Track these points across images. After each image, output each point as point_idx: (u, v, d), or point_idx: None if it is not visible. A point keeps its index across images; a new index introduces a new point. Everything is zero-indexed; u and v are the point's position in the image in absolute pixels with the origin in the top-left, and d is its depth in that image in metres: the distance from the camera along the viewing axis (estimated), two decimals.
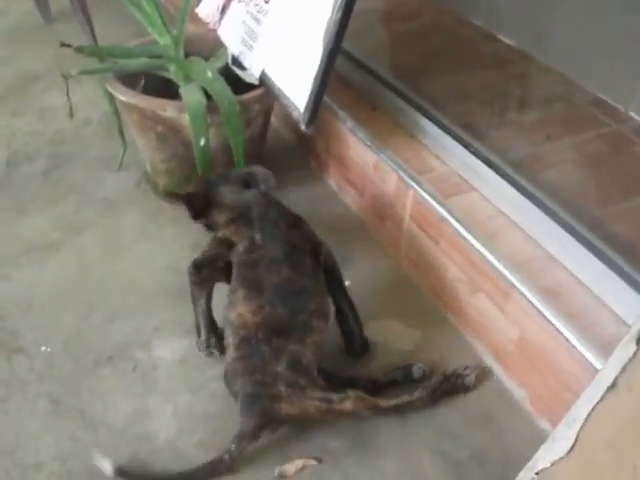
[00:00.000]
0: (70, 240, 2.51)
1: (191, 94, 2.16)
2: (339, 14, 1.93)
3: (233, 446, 1.69)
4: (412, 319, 2.18)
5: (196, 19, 2.66)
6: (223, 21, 2.58)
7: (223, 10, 2.60)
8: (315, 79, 2.03)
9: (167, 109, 2.22)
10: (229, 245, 1.89)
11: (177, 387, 1.97)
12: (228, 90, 2.20)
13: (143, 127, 2.34)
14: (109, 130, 3.04)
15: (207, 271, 1.90)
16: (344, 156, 2.50)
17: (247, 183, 2.06)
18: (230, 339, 1.79)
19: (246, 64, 2.37)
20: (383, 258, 2.39)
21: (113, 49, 2.44)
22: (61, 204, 2.70)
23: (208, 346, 1.99)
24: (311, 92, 2.06)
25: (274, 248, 1.85)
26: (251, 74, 2.34)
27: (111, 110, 2.50)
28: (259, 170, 2.09)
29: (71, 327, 2.16)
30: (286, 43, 2.20)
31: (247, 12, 2.43)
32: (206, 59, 2.47)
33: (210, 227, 2.03)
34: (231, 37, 2.53)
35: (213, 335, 1.98)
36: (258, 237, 1.86)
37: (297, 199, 2.56)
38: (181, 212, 2.39)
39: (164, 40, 2.37)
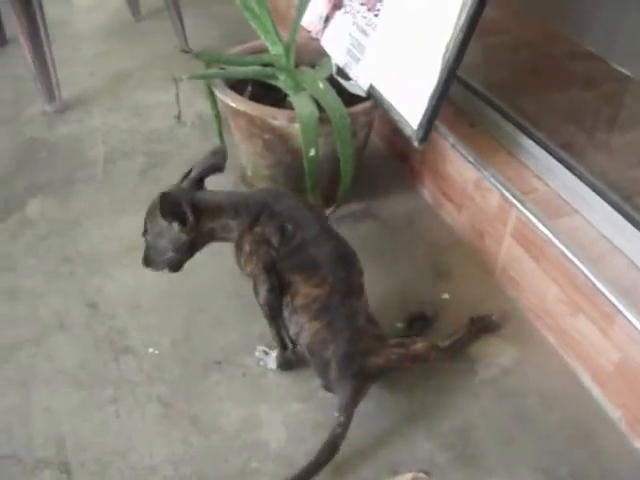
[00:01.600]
0: None
1: (303, 105, 2.13)
2: (461, 35, 1.90)
3: (342, 418, 1.72)
4: (509, 335, 2.16)
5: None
6: (326, 30, 2.53)
7: (326, 19, 2.55)
8: (432, 98, 2.01)
9: (278, 118, 2.19)
10: (268, 241, 1.87)
11: (286, 395, 1.94)
12: (340, 103, 2.17)
13: (250, 133, 2.31)
14: (204, 131, 3.07)
15: (276, 277, 1.86)
16: (442, 170, 2.46)
17: (201, 179, 2.04)
18: (303, 319, 1.82)
19: (352, 75, 2.34)
20: (480, 273, 2.36)
21: (229, 57, 2.41)
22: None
23: (294, 352, 1.97)
24: (426, 110, 2.03)
25: (310, 227, 1.88)
26: (357, 86, 2.30)
27: (213, 113, 2.48)
28: (204, 159, 2.07)
29: (178, 329, 2.15)
30: (399, 59, 2.16)
31: (354, 24, 2.39)
32: (309, 67, 2.43)
33: (192, 246, 1.99)
34: (336, 47, 2.50)
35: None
36: (289, 226, 1.86)
37: (391, 209, 2.59)
38: None
39: (276, 49, 2.34)
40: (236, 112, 2.29)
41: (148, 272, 2.21)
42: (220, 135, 2.54)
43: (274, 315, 1.89)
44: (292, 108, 2.26)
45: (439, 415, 1.92)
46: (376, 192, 2.51)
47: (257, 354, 2.03)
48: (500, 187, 2.17)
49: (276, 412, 1.91)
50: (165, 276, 2.20)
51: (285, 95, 2.35)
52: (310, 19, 2.69)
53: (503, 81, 2.66)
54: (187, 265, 2.15)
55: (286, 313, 1.85)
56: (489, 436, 1.88)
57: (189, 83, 3.26)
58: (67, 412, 1.94)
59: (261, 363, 2.02)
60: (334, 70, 2.45)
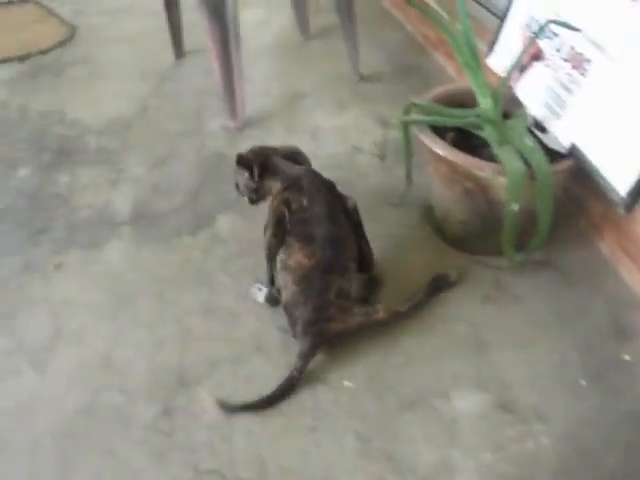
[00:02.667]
0: None
1: (511, 160, 2.16)
2: None
3: (299, 363, 2.09)
4: None
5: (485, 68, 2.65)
6: (522, 80, 2.54)
7: (523, 69, 2.55)
8: None
9: (484, 170, 2.22)
10: (288, 204, 2.29)
11: (478, 443, 1.98)
12: (546, 161, 2.18)
13: (450, 179, 2.36)
14: (383, 160, 3.14)
15: (282, 230, 2.28)
16: (626, 228, 2.45)
17: (293, 159, 2.51)
18: (289, 279, 2.20)
19: (551, 130, 2.34)
20: None
21: (441, 110, 2.44)
22: None
23: (279, 291, 2.31)
24: (638, 180, 2.02)
25: (319, 208, 2.27)
26: (556, 141, 2.30)
27: (405, 151, 2.55)
28: (301, 154, 2.58)
29: (372, 364, 2.20)
30: (610, 123, 2.16)
31: (555, 79, 2.40)
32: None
33: (258, 192, 2.47)
34: (532, 99, 2.50)
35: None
36: (305, 201, 2.28)
37: (569, 260, 2.58)
38: (466, 261, 2.48)
39: (485, 103, 2.38)
40: (439, 158, 2.31)
41: None
42: (408, 173, 2.59)
43: (270, 255, 2.31)
44: (492, 157, 2.28)
45: None
46: (553, 240, 2.52)
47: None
48: None
49: (468, 459, 1.94)
50: None
51: (485, 143, 2.35)
52: (503, 64, 2.70)
53: None
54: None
55: (279, 266, 2.24)
56: None
57: (362, 108, 3.33)
58: (268, 436, 2.01)
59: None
60: (530, 122, 2.43)
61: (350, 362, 2.21)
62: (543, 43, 2.50)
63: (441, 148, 2.30)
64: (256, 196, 2.47)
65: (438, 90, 2.69)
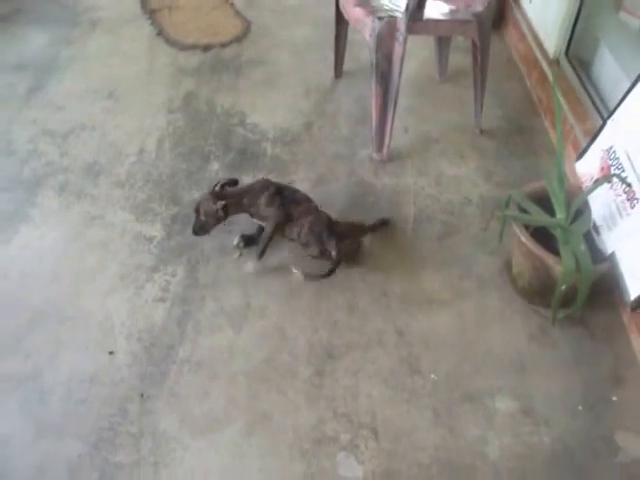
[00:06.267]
0: (454, 303, 3.59)
1: (568, 259, 3.32)
2: None
3: (335, 251, 3.64)
4: None
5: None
6: (597, 191, 3.56)
7: (596, 181, 3.58)
8: None
9: (549, 260, 3.47)
10: (276, 194, 3.77)
11: (504, 430, 3.09)
12: (590, 264, 3.33)
13: (526, 255, 3.57)
14: (483, 214, 4.13)
15: (282, 209, 3.78)
16: None
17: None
18: (303, 220, 3.76)
19: (602, 236, 3.51)
20: None
21: (530, 208, 3.64)
22: (448, 270, 3.79)
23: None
24: None
25: (290, 190, 3.77)
26: (603, 245, 3.44)
27: (500, 227, 3.69)
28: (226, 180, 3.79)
29: (451, 367, 3.29)
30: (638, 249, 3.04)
31: (614, 201, 3.29)
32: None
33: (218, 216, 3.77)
34: (597, 208, 3.38)
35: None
36: (282, 189, 3.72)
37: (594, 321, 3.58)
38: (525, 307, 3.72)
39: (561, 216, 3.56)
40: (522, 243, 3.55)
41: (438, 321, 3.54)
42: (501, 238, 3.83)
43: (277, 229, 3.70)
44: (558, 248, 3.50)
45: None
46: (590, 305, 3.51)
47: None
48: None
49: (495, 439, 3.06)
50: (446, 326, 3.54)
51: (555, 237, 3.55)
52: (585, 171, 3.61)
53: None
54: (460, 322, 3.63)
55: (290, 223, 3.67)
56: None
57: (476, 162, 4.52)
58: (382, 400, 3.14)
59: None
60: (592, 223, 3.38)
61: (439, 360, 3.34)
62: (614, 170, 3.54)
63: (525, 237, 3.54)
64: (215, 220, 3.73)
65: (533, 185, 3.81)
